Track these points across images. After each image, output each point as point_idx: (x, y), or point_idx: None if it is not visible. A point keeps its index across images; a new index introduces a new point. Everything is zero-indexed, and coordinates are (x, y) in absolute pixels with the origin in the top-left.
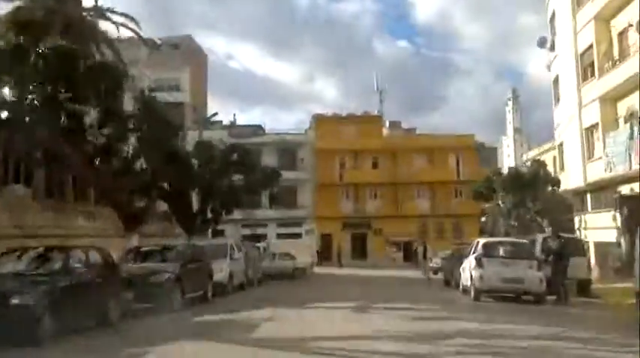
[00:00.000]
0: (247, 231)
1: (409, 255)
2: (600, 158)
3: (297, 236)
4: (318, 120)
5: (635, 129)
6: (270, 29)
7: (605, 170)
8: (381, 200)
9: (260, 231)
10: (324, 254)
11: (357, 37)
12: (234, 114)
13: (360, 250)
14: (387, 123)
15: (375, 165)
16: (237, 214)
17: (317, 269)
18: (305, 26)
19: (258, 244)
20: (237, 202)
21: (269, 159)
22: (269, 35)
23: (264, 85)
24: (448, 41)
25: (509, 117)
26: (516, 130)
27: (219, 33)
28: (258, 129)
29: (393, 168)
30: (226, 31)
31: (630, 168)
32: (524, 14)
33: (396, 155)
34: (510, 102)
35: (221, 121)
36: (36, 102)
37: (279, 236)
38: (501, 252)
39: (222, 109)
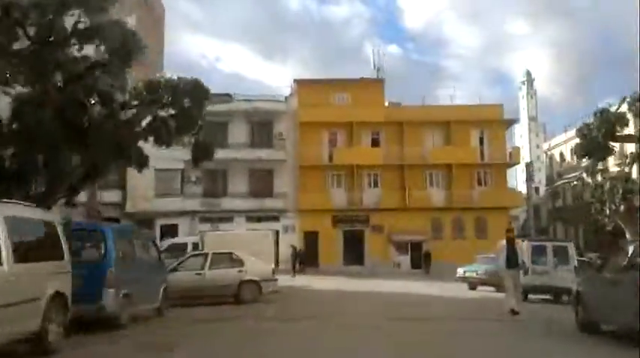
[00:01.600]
0: (207, 227)
1: (418, 259)
2: None
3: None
4: (301, 85)
5: None
6: (261, 32)
7: None
8: (382, 188)
9: (224, 226)
10: (308, 257)
11: (347, 41)
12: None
13: (354, 253)
14: (387, 104)
15: (375, 143)
16: (193, 204)
17: (292, 281)
18: (296, 29)
19: (174, 240)
20: (117, 150)
21: (237, 134)
22: (259, 38)
23: (253, 88)
24: (438, 46)
25: (523, 103)
26: (531, 119)
27: (209, 35)
28: (224, 97)
29: (398, 146)
30: (216, 33)
31: None
32: (513, 20)
33: (402, 130)
34: (524, 87)
35: None
36: None
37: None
38: None
39: None
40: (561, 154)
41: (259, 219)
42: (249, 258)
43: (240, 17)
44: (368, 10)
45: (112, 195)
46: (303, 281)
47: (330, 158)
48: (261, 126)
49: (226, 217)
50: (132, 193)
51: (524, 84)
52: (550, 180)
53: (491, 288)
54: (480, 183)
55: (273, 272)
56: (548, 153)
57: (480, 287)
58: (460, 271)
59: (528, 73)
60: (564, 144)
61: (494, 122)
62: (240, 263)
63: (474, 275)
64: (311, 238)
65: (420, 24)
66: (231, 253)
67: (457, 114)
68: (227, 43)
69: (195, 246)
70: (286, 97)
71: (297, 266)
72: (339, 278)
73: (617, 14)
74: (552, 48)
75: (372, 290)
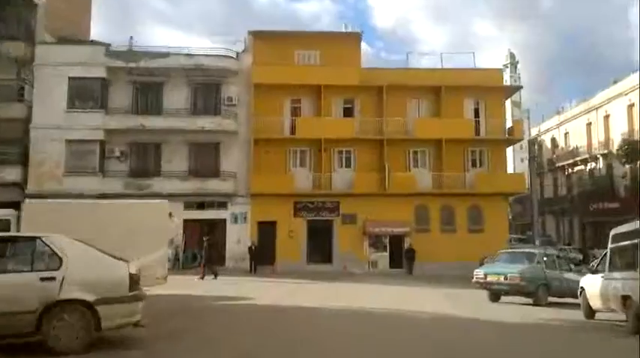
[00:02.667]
0: None
1: (398, 256)
2: None
3: (220, 221)
4: (258, 38)
5: None
6: (227, 25)
7: None
8: (356, 168)
9: None
10: (263, 254)
11: None
12: (131, 37)
13: (320, 248)
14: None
15: (348, 112)
16: (116, 185)
17: (210, 286)
18: (263, 24)
19: None
20: None
21: (175, 98)
22: (225, 31)
23: None
24: (407, 45)
25: None
26: (514, 104)
27: (173, 26)
28: (161, 53)
29: (376, 117)
30: (181, 25)
31: None
32: (480, 22)
33: (381, 97)
34: (508, 70)
35: (108, 45)
36: None
37: (189, 221)
38: None
39: None
40: (553, 140)
41: (201, 205)
42: (82, 250)
43: (206, 10)
44: (337, 7)
45: (9, 173)
46: (241, 288)
47: (293, 130)
48: (206, 89)
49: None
50: (36, 170)
51: (507, 67)
52: (540, 168)
53: (525, 300)
54: (474, 164)
55: (134, 280)
56: (538, 139)
57: (504, 297)
58: (478, 273)
59: (512, 56)
60: (557, 128)
61: (492, 90)
62: (54, 259)
63: (502, 279)
64: (266, 230)
65: (390, 23)
66: (36, 238)
67: (448, 79)
68: (192, 36)
69: (6, 225)
70: (238, 54)
71: (208, 265)
72: (296, 283)
73: (578, 19)
74: (517, 50)
75: (344, 309)
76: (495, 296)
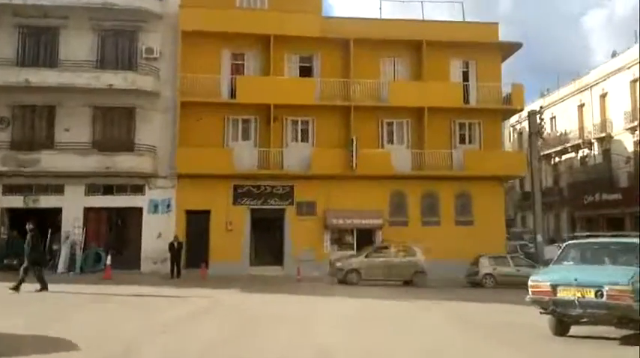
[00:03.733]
0: (18, 201)
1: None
2: None
3: (135, 210)
4: None
5: None
6: None
7: None
8: (315, 143)
9: (48, 199)
10: (193, 252)
11: None
12: None
13: (268, 245)
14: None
15: (305, 72)
16: None
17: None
18: None
19: None
20: None
21: (75, 47)
22: None
23: None
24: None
25: None
26: None
27: None
28: None
29: (342, 78)
30: None
31: None
32: (444, 18)
33: (348, 53)
34: None
35: None
36: None
37: (93, 210)
38: None
39: None
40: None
41: (109, 189)
42: None
43: None
44: None
45: None
46: (99, 311)
47: (233, 92)
48: (118, 37)
49: (51, 184)
50: None
51: None
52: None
53: (606, 329)
54: (463, 140)
55: None
56: (518, 126)
57: (574, 327)
58: (539, 284)
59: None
60: (543, 111)
61: (485, 47)
62: None
63: (592, 296)
64: (197, 222)
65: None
66: None
67: (431, 32)
68: None
69: None
70: None
71: (32, 269)
72: (216, 298)
73: (533, 24)
74: None
75: None
76: (563, 325)
